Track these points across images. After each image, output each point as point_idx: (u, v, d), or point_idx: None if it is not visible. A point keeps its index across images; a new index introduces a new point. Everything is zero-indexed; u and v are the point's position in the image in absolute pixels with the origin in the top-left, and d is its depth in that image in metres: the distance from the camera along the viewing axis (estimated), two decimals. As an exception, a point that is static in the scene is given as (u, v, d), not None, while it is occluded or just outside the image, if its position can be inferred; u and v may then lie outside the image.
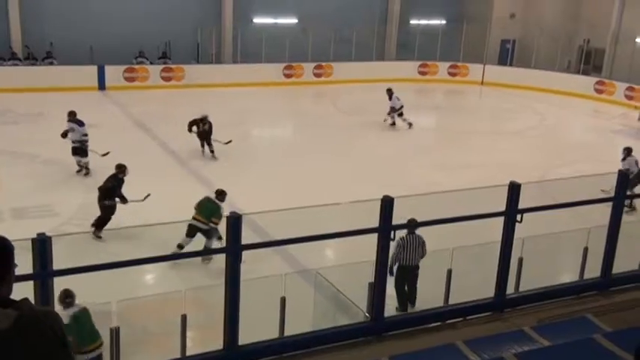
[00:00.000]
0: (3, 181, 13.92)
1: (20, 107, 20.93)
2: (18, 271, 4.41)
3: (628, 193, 14.88)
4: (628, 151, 14.34)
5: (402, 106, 20.21)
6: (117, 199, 11.68)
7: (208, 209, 10.89)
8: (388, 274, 7.41)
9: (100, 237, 11.30)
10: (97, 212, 11.51)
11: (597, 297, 6.50)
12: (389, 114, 20.40)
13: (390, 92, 20.42)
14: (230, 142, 16.59)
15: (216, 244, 10.52)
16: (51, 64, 24.31)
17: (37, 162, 15.51)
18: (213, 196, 11.11)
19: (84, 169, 14.68)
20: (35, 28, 24.47)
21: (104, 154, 14.49)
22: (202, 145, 16.57)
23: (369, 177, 14.99)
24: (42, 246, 4.57)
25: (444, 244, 7.90)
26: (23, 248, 4.58)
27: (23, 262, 4.51)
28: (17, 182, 14.00)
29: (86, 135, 14.72)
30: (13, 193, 13.30)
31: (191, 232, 10.76)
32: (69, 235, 10.59)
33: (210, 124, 16.47)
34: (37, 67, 24.14)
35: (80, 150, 14.67)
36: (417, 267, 8.79)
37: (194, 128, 16.50)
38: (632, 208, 12.86)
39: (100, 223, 11.45)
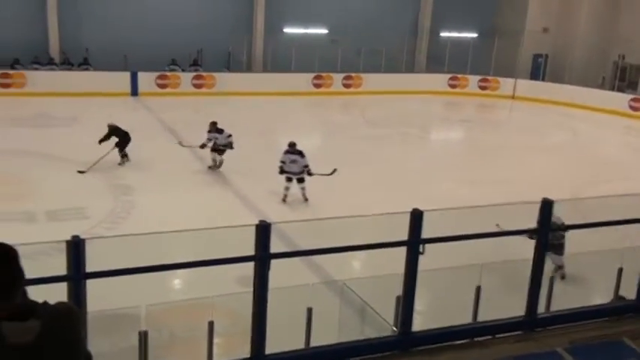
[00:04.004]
0: (37, 184, 14.13)
1: (56, 111, 21.35)
2: (52, 273, 4.52)
3: None
4: None
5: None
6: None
7: None
8: None
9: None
10: (128, 216, 11.95)
11: (634, 320, 6.33)
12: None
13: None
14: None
15: None
16: (86, 69, 24.76)
17: (70, 165, 15.72)
18: None
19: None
20: (72, 35, 24.94)
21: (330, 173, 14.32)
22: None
23: (396, 190, 14.92)
24: (76, 248, 4.61)
25: (473, 259, 7.81)
26: (57, 250, 4.66)
27: (58, 265, 4.60)
28: (51, 185, 14.23)
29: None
30: (46, 195, 13.52)
31: None
32: (101, 238, 10.69)
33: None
34: (72, 72, 24.60)
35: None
36: None
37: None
38: None
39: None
